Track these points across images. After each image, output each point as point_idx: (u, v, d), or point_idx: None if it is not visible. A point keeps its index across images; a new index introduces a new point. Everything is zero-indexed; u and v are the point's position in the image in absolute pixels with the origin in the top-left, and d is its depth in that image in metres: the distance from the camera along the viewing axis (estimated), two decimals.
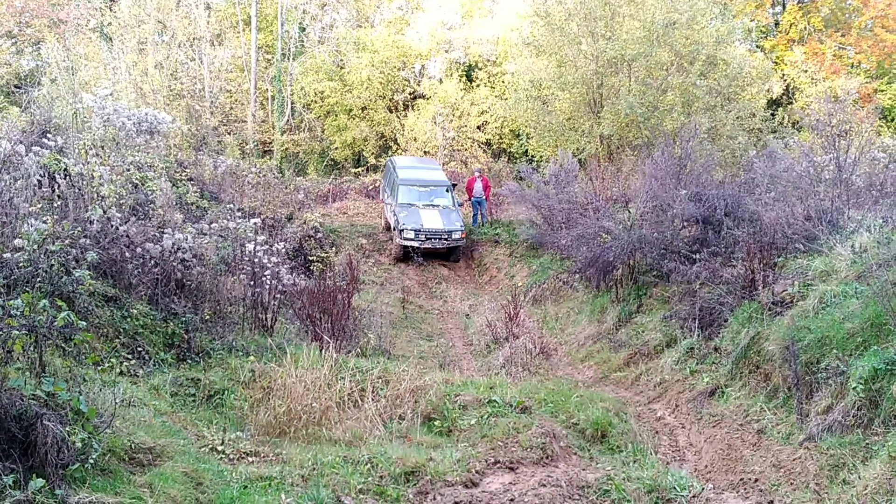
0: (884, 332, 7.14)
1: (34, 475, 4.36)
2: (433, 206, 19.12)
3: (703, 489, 6.26)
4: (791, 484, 6.56)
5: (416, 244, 18.31)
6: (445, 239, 18.48)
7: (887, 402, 6.56)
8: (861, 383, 6.79)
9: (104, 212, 8.30)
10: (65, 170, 8.41)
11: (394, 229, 18.86)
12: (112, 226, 8.40)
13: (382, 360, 9.30)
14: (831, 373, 7.26)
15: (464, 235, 18.90)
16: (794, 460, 6.87)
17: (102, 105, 16.14)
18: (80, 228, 7.13)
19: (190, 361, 8.47)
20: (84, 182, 8.85)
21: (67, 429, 4.73)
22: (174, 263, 9.21)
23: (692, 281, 10.83)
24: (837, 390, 7.21)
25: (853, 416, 6.86)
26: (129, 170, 11.95)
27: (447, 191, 19.99)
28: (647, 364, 10.58)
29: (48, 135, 10.83)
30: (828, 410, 7.20)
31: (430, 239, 18.30)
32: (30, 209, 7.71)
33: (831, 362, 7.31)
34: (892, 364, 6.71)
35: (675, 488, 6.16)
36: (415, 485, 6.23)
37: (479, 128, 29.23)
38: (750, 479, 6.94)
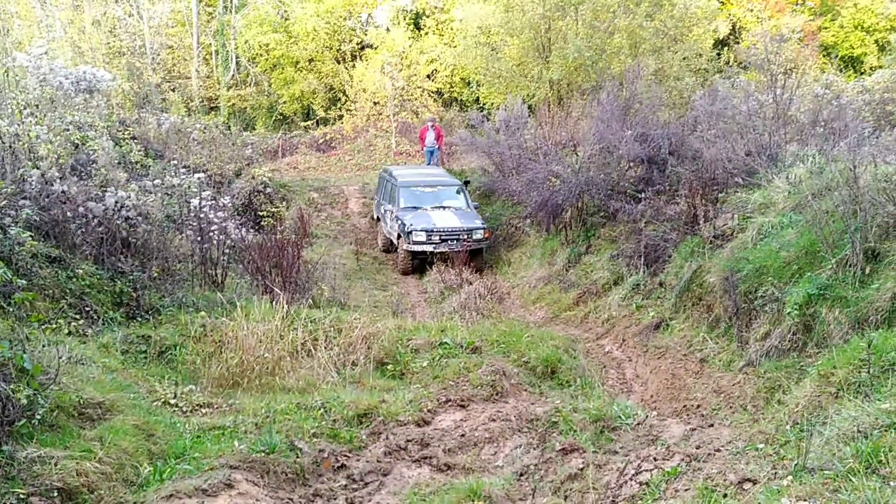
0: (817, 259, 7.41)
1: None
2: (444, 207, 15.79)
3: (646, 416, 6.49)
4: (730, 407, 6.86)
5: (428, 248, 14.59)
6: (465, 240, 14.66)
7: (820, 326, 6.85)
8: (796, 309, 7.07)
9: (38, 169, 8.13)
10: None
11: (398, 236, 15.34)
12: (50, 186, 8.23)
13: (335, 310, 9.36)
14: (768, 300, 7.53)
15: (487, 235, 15.23)
16: (733, 385, 7.17)
17: (37, 64, 15.66)
18: (13, 187, 6.99)
19: (140, 319, 8.43)
20: (19, 142, 8.63)
21: (12, 386, 4.72)
22: (118, 222, 9.08)
23: (637, 220, 11.05)
24: (774, 317, 7.49)
25: (789, 341, 7.16)
26: (67, 129, 11.67)
27: (458, 192, 16.52)
28: (595, 302, 10.84)
29: None
30: (766, 337, 7.49)
31: (446, 241, 14.52)
32: None
33: (768, 290, 7.58)
34: (824, 289, 6.99)
35: (619, 417, 6.37)
36: (368, 426, 6.37)
37: (428, 77, 28.97)
38: (692, 405, 7.23)
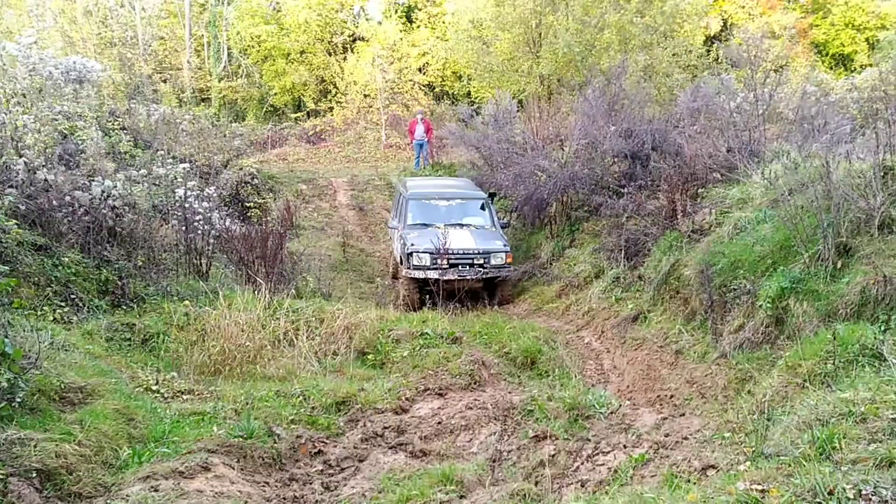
0: (791, 254, 7.53)
1: None
2: (461, 225, 12.81)
3: (620, 406, 6.62)
4: (702, 397, 6.99)
5: (433, 275, 11.32)
6: (481, 265, 11.74)
7: (791, 318, 6.98)
8: (768, 302, 7.20)
9: (20, 157, 8.19)
10: None
11: (401, 260, 12.31)
12: (36, 175, 8.31)
13: (318, 301, 9.46)
14: (741, 293, 7.66)
15: (509, 259, 12.16)
16: (706, 376, 7.31)
17: (27, 53, 15.65)
18: None
19: (125, 307, 8.52)
20: (4, 131, 8.69)
21: None
22: (105, 211, 9.17)
23: (620, 214, 11.18)
24: (748, 310, 7.62)
25: (761, 333, 7.29)
26: (56, 119, 11.72)
27: (483, 207, 13.56)
28: (576, 295, 10.99)
29: None
30: (739, 329, 7.61)
31: (456, 266, 11.60)
32: None
33: (742, 284, 7.71)
34: (797, 283, 7.11)
35: (594, 406, 6.50)
36: (346, 413, 6.50)
37: (420, 70, 29.05)
38: (666, 395, 7.37)
